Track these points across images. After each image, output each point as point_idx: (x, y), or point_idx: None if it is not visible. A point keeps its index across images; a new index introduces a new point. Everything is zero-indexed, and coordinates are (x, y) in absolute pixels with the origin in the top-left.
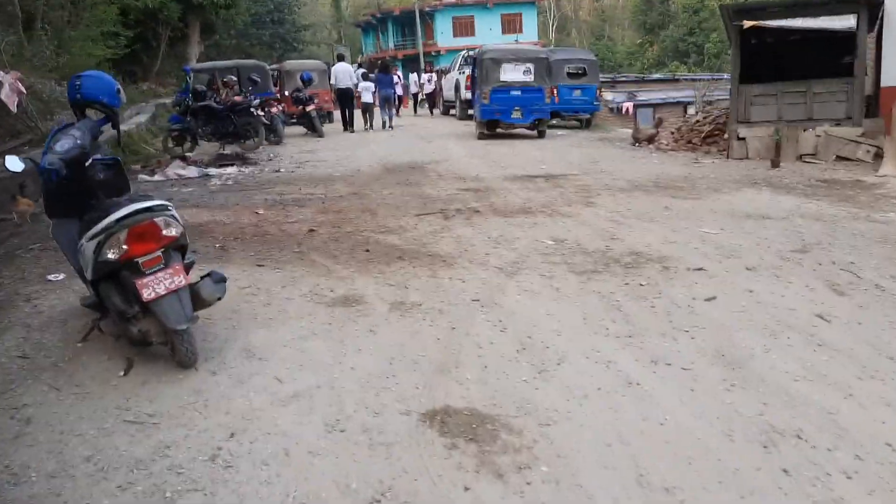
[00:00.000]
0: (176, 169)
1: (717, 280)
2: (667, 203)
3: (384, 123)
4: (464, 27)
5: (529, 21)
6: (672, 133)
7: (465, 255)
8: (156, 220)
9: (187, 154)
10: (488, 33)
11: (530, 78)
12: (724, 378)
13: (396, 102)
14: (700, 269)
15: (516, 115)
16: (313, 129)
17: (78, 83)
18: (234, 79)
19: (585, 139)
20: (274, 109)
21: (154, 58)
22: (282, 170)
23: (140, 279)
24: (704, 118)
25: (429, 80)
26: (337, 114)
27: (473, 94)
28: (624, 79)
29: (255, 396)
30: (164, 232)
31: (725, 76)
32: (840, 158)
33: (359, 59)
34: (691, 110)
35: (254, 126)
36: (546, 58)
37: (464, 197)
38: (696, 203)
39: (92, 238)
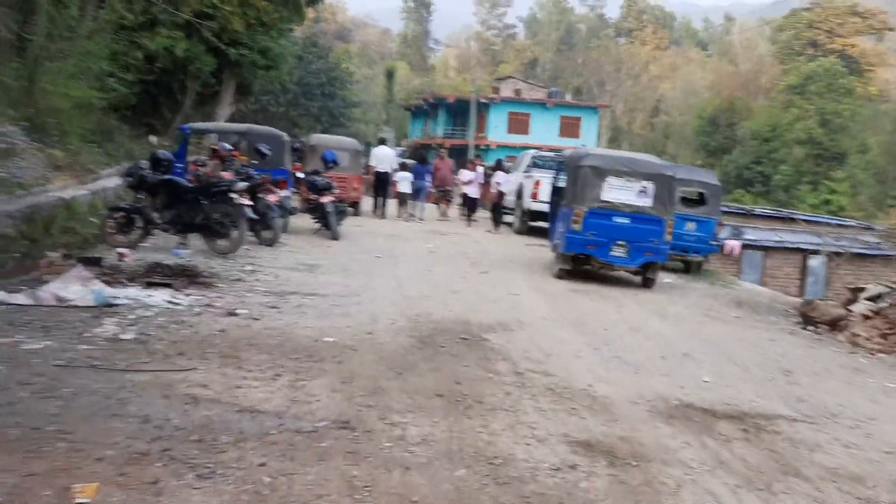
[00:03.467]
0: (65, 286)
1: None
2: None
3: (411, 215)
4: (519, 124)
5: (589, 126)
6: (866, 317)
7: None
8: None
9: (121, 251)
10: (544, 134)
11: (646, 202)
12: None
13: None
14: None
15: (619, 252)
16: (327, 227)
17: None
18: (228, 147)
19: (712, 298)
20: (272, 197)
21: (177, 112)
22: (241, 311)
23: None
24: None
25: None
26: (366, 203)
27: (553, 212)
28: (724, 209)
29: None
30: None
31: (849, 222)
32: None
33: (402, 144)
34: (814, 261)
35: (233, 218)
36: (672, 176)
37: (596, 490)
38: None
39: None
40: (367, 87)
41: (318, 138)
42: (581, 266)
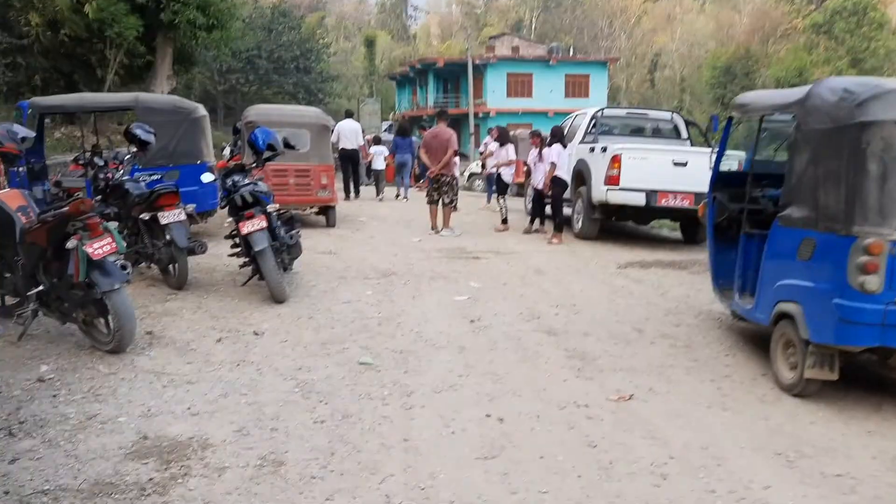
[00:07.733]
0: None
1: None
2: None
3: (398, 194)
4: (520, 86)
5: (598, 84)
6: None
7: None
8: None
9: None
10: (549, 95)
11: None
12: None
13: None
14: None
15: None
16: (261, 276)
17: None
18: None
19: None
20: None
21: (100, 91)
22: None
23: None
24: None
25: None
26: (341, 207)
27: (725, 227)
28: None
29: None
30: None
31: None
32: None
33: (390, 118)
34: None
35: None
36: None
37: None
38: None
39: None
40: (347, 60)
41: (258, 111)
42: (850, 360)
